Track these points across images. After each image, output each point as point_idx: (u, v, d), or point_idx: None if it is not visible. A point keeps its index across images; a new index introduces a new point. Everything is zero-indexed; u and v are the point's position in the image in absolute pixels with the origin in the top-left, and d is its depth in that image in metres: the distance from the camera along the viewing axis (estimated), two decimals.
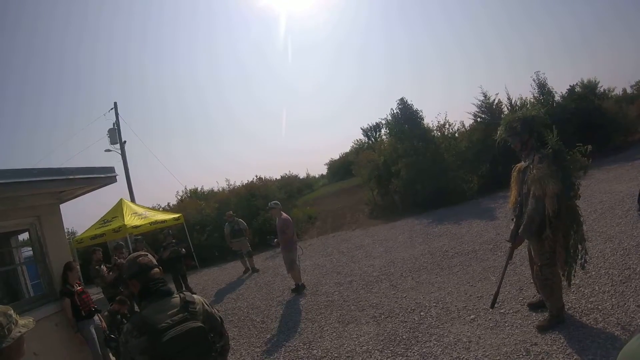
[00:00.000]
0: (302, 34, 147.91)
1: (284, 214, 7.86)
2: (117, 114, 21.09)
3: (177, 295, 2.20)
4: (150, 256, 2.37)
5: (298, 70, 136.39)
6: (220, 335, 2.31)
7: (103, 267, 8.33)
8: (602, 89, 18.57)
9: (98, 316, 5.96)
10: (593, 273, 4.95)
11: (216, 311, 2.37)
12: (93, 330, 5.67)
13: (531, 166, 3.94)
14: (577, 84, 17.32)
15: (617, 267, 4.99)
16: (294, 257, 7.68)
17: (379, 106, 73.13)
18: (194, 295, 2.27)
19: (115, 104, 21.21)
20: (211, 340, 2.14)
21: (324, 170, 39.58)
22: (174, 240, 10.47)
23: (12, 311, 2.10)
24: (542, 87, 16.11)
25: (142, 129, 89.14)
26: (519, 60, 79.06)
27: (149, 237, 14.85)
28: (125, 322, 6.33)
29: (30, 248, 6.42)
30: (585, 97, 16.15)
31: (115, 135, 21.04)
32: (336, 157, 37.71)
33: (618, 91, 20.34)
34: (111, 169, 6.26)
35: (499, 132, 4.38)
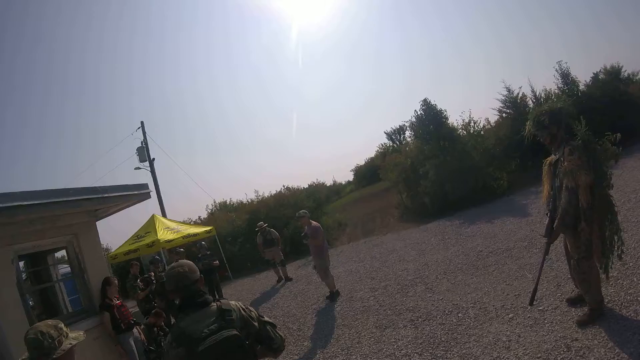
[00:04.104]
0: (318, 41, 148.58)
1: (314, 222, 7.92)
2: (144, 133, 21.66)
3: (214, 304, 2.24)
4: None
5: (314, 77, 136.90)
6: (270, 339, 2.36)
7: (139, 282, 8.57)
8: (626, 74, 18.17)
9: (137, 329, 6.13)
10: (631, 264, 4.85)
11: (262, 316, 2.41)
12: (132, 343, 5.85)
13: (562, 159, 3.91)
14: (600, 70, 17.04)
15: None
16: (327, 264, 7.75)
17: (401, 108, 72.77)
18: (231, 302, 2.30)
19: (142, 123, 21.80)
20: (248, 346, 2.17)
21: (350, 177, 39.55)
22: (208, 252, 10.67)
23: (63, 324, 2.25)
24: (566, 77, 15.80)
25: (167, 145, 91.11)
26: (535, 50, 77.26)
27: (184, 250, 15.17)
28: (162, 334, 6.53)
29: (67, 265, 6.67)
30: (610, 83, 15.79)
31: (143, 153, 21.56)
32: (362, 162, 37.68)
33: None
34: (145, 186, 6.49)
35: (527, 127, 4.36)
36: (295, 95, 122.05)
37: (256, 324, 2.32)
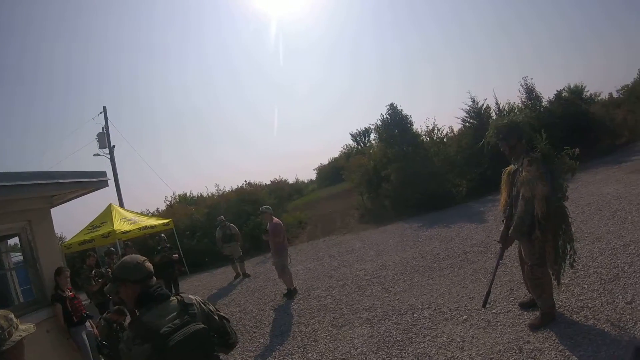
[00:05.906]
0: (293, 39, 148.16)
1: (275, 219, 7.85)
2: (106, 118, 21.02)
3: (175, 298, 2.16)
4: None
5: (287, 74, 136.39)
6: (227, 334, 2.30)
7: (93, 273, 8.27)
8: (588, 94, 19.06)
9: (89, 322, 5.89)
10: (582, 272, 5.04)
11: (218, 310, 2.34)
12: (85, 337, 5.60)
13: (520, 169, 4.03)
14: (564, 88, 17.73)
15: (605, 266, 5.10)
16: (285, 262, 7.69)
17: (368, 111, 73.63)
18: (191, 296, 2.22)
19: (104, 107, 21.16)
20: (213, 340, 2.13)
21: (313, 176, 39.70)
22: (168, 245, 10.42)
23: (13, 315, 2.11)
24: (530, 92, 16.37)
25: (131, 133, 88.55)
26: (509, 62, 79.99)
27: (139, 242, 14.75)
28: (119, 328, 6.28)
29: (19, 253, 6.32)
30: (572, 101, 16.45)
31: (104, 139, 20.93)
32: (325, 162, 37.87)
33: (604, 95, 20.90)
34: (103, 173, 6.24)
35: (486, 136, 4.48)
36: (267, 91, 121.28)
37: (216, 317, 2.27)
